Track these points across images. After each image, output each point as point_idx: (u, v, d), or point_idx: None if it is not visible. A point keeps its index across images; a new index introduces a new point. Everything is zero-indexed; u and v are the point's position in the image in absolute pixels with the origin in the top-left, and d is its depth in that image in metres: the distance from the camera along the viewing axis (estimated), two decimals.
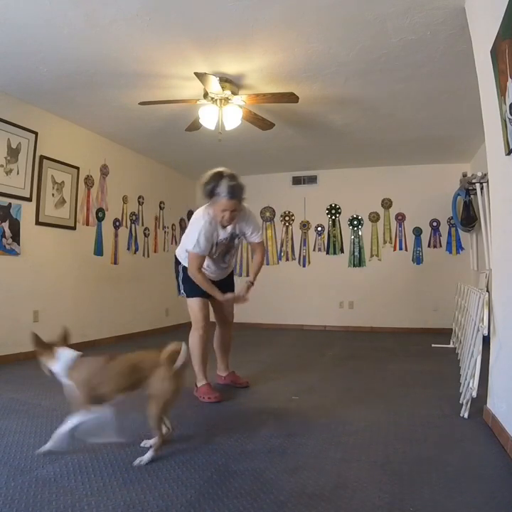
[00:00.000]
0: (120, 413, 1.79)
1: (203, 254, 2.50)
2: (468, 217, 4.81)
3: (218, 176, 2.40)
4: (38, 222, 3.99)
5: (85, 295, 4.55)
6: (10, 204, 3.69)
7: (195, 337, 2.66)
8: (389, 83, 3.47)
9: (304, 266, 6.38)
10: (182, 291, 2.74)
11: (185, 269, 2.67)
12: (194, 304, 2.68)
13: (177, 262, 2.78)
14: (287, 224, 6.46)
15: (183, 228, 6.61)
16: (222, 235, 2.57)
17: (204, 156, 5.56)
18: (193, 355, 2.63)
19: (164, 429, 1.77)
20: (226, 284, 2.81)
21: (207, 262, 2.64)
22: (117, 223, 5.13)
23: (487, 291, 2.62)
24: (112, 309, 4.92)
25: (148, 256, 5.69)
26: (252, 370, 3.35)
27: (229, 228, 2.57)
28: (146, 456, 1.69)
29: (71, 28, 2.70)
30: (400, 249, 6.01)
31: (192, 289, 2.66)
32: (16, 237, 3.74)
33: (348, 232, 6.25)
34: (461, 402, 2.32)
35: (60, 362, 1.73)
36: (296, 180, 6.46)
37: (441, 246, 5.87)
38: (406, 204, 5.99)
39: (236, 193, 2.38)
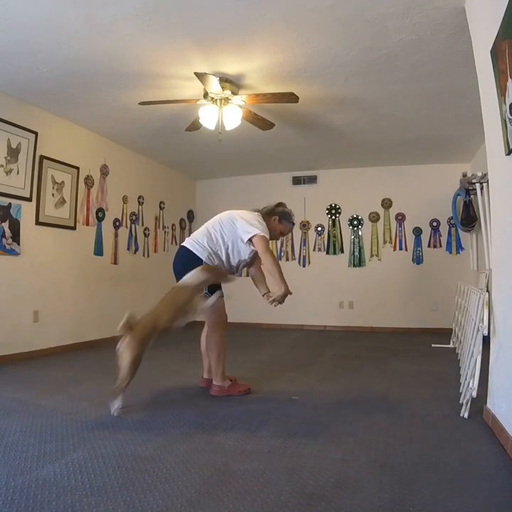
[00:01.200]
0: None
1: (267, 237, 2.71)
2: (468, 217, 4.81)
3: (283, 206, 2.96)
4: (38, 222, 4.00)
5: (85, 295, 4.55)
6: (10, 204, 3.69)
7: (220, 336, 2.65)
8: (389, 83, 3.47)
9: (304, 266, 6.38)
10: (205, 290, 2.62)
11: None
12: (221, 305, 2.67)
13: (195, 260, 2.62)
14: None
15: (183, 228, 6.61)
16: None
17: (204, 156, 5.57)
18: (216, 355, 2.65)
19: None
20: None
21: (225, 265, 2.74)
22: (117, 223, 5.13)
23: (487, 291, 2.62)
24: (112, 309, 4.92)
25: (148, 256, 5.69)
26: (252, 370, 3.35)
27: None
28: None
29: (71, 28, 2.70)
30: (400, 249, 6.01)
31: (217, 288, 2.68)
32: (16, 237, 3.74)
33: (348, 232, 6.25)
34: (461, 402, 2.32)
35: None
36: (296, 180, 6.46)
37: (441, 246, 5.87)
38: (406, 204, 5.99)
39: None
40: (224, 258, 2.71)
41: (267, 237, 2.66)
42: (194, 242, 2.70)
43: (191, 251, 2.67)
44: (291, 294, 2.68)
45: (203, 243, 2.68)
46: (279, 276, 2.64)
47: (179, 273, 2.71)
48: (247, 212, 2.79)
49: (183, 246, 2.74)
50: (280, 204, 2.95)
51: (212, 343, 2.67)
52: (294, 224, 2.98)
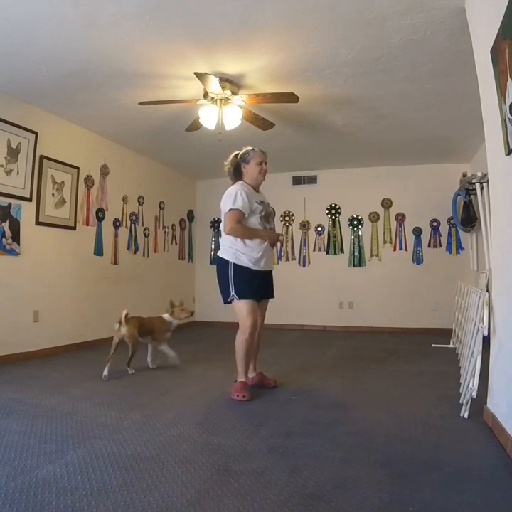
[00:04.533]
0: None
1: (242, 209, 2.64)
2: (468, 217, 4.81)
3: (238, 153, 2.84)
4: (38, 222, 3.99)
5: (85, 295, 4.55)
6: (10, 204, 3.69)
7: (241, 340, 2.64)
8: (389, 83, 3.47)
9: (303, 266, 6.38)
10: (232, 293, 2.63)
11: (235, 267, 2.64)
12: (244, 306, 2.62)
13: (224, 264, 2.69)
14: (287, 224, 6.46)
15: (183, 228, 6.61)
16: (260, 198, 2.79)
17: (204, 156, 5.56)
18: (237, 355, 2.67)
19: None
20: (269, 283, 2.83)
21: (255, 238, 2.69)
22: (117, 223, 5.12)
23: (487, 291, 2.62)
24: (112, 309, 4.90)
25: (148, 256, 5.69)
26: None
27: (262, 196, 2.83)
28: None
29: (71, 28, 2.70)
30: (400, 249, 6.01)
31: (245, 290, 2.62)
32: (16, 237, 3.74)
33: (348, 232, 6.25)
34: (461, 402, 2.32)
35: None
36: (296, 180, 6.46)
37: (441, 246, 5.86)
38: (406, 204, 5.99)
39: (264, 152, 2.81)
40: (247, 240, 2.67)
41: (235, 207, 2.62)
42: (221, 247, 2.76)
43: (220, 257, 2.74)
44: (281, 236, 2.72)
45: (224, 244, 2.72)
46: (252, 236, 2.68)
47: (219, 282, 2.76)
48: (233, 186, 2.78)
49: (216, 255, 2.81)
50: (235, 156, 2.85)
51: (235, 344, 2.69)
52: (254, 150, 2.78)
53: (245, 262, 2.64)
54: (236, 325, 2.69)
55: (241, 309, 2.64)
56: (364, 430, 2.06)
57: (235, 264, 2.64)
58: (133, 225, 5.40)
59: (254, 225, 2.70)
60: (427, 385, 2.91)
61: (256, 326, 2.66)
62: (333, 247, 6.26)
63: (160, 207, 6.03)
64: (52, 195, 4.18)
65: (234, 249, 2.66)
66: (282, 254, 6.45)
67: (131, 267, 5.35)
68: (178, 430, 2.05)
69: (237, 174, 2.83)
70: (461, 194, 4.88)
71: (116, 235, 5.09)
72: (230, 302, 2.68)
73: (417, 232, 5.95)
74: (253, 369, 2.90)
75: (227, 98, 3.48)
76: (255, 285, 2.67)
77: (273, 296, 2.89)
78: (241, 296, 2.63)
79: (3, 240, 3.62)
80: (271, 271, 2.84)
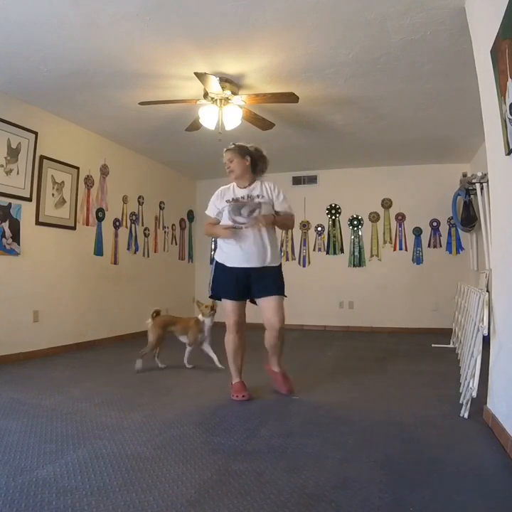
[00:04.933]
0: None
1: (208, 213, 2.77)
2: (468, 217, 4.81)
3: None
4: (38, 222, 3.99)
5: (85, 295, 4.55)
6: (10, 204, 3.69)
7: (227, 339, 2.73)
8: (389, 83, 3.47)
9: (304, 266, 6.38)
10: (210, 288, 2.76)
11: (216, 264, 2.71)
12: (227, 305, 2.69)
13: (212, 262, 2.84)
14: None
15: (183, 228, 6.61)
16: (240, 193, 2.70)
17: (204, 156, 5.56)
18: (227, 355, 2.74)
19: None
20: (258, 280, 2.70)
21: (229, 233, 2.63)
22: (117, 223, 5.13)
23: (487, 291, 2.61)
24: (112, 309, 4.92)
25: (148, 256, 5.69)
26: (253, 371, 3.35)
27: (247, 189, 2.70)
28: None
29: (71, 28, 2.70)
30: (400, 249, 6.01)
31: (220, 288, 2.69)
32: (15, 237, 3.73)
33: (348, 232, 6.25)
34: (461, 402, 2.32)
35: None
36: (296, 180, 6.46)
37: (441, 246, 5.86)
38: (406, 204, 5.99)
39: (231, 147, 2.82)
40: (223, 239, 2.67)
41: (207, 214, 2.78)
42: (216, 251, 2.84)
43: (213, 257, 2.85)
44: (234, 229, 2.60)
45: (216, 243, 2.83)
46: (212, 234, 2.87)
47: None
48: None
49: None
50: None
51: (225, 344, 2.75)
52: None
53: (222, 258, 2.69)
54: None
55: (225, 308, 2.71)
56: (364, 430, 2.06)
57: (216, 262, 2.74)
58: (133, 225, 5.40)
59: (225, 221, 2.68)
60: (427, 385, 2.91)
61: (238, 326, 2.69)
62: (333, 247, 6.26)
63: (160, 207, 6.03)
64: (52, 195, 4.18)
65: (219, 246, 2.76)
66: (282, 254, 6.44)
67: (131, 267, 5.35)
68: (178, 430, 2.05)
69: None
70: (461, 194, 4.88)
71: (116, 235, 5.09)
72: (214, 297, 2.79)
73: (417, 232, 5.95)
74: (275, 364, 2.86)
75: (227, 98, 3.48)
76: (231, 283, 2.62)
77: (269, 294, 2.75)
78: (215, 293, 2.73)
79: (3, 239, 3.62)
80: (262, 268, 2.65)
